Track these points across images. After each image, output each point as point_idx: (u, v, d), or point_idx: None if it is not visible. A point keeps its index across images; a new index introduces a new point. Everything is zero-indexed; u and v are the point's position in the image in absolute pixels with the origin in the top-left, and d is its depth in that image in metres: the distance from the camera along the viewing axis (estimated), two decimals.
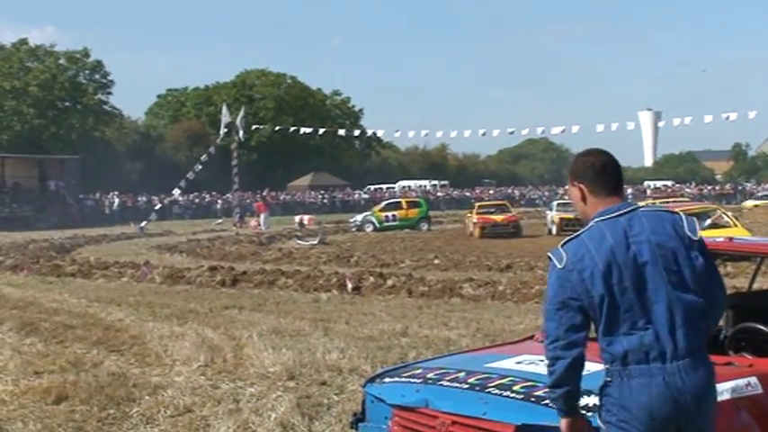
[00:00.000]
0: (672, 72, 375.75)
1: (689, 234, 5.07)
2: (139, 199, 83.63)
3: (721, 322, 8.03)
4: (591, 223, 5.14)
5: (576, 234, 5.16)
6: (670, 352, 4.92)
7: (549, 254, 5.16)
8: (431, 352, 12.88)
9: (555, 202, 61.24)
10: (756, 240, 9.00)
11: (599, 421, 5.06)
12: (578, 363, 5.01)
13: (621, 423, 4.95)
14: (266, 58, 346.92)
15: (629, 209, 5.14)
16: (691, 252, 5.04)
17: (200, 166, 63.32)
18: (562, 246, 5.14)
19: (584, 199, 5.27)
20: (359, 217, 61.59)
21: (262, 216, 62.27)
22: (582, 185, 5.26)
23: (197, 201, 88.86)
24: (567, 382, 5.05)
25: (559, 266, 5.05)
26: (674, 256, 5.01)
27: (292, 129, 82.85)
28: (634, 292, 4.95)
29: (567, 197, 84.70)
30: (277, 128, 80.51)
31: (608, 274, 4.95)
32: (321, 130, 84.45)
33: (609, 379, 5.02)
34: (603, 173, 5.22)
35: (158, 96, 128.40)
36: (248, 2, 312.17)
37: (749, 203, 67.56)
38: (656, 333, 4.93)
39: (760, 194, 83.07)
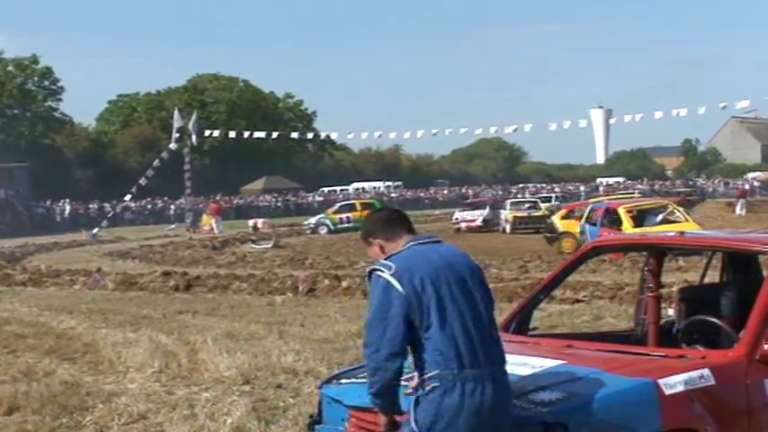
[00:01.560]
0: (623, 70, 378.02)
1: (476, 264, 5.71)
2: (91, 206, 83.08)
3: (674, 315, 8.10)
4: (408, 245, 5.54)
5: (397, 252, 5.51)
6: (480, 358, 5.33)
7: (375, 266, 5.46)
8: None
9: (508, 201, 61.50)
10: (707, 234, 9.06)
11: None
12: (399, 373, 5.34)
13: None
14: (218, 62, 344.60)
15: (435, 238, 5.71)
16: (480, 278, 5.63)
17: (152, 172, 62.94)
18: (386, 259, 5.46)
19: (383, 250, 5.64)
20: (313, 219, 61.64)
21: (214, 220, 62.06)
22: (378, 240, 5.69)
23: (149, 206, 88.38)
24: (389, 392, 5.37)
25: (388, 273, 5.34)
26: (472, 278, 5.54)
27: (245, 133, 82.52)
28: (453, 301, 5.37)
29: (520, 196, 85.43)
30: (231, 134, 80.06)
31: (437, 281, 5.34)
32: (274, 134, 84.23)
33: (436, 385, 5.27)
34: (391, 220, 5.75)
35: (109, 102, 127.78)
36: (199, 6, 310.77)
37: None
38: (469, 339, 5.33)
39: None
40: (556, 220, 40.59)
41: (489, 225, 55.39)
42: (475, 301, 5.48)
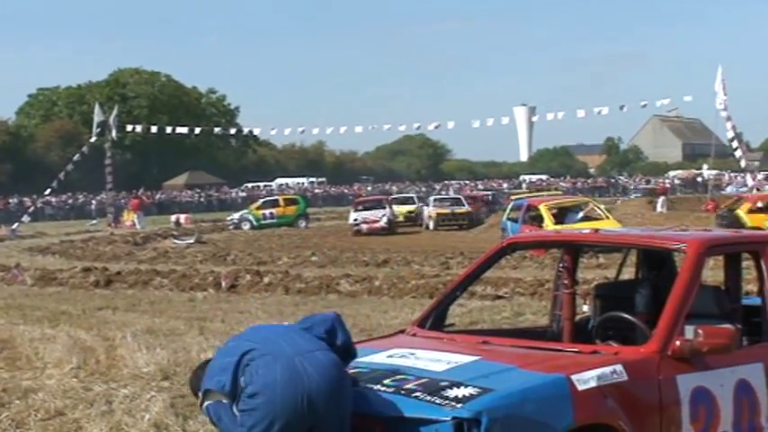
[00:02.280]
0: (546, 68, 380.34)
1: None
2: (10, 201, 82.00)
3: (589, 312, 8.20)
4: None
5: None
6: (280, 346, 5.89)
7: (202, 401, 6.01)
8: None
9: (432, 198, 61.63)
10: (620, 231, 9.18)
11: None
12: None
13: None
14: (140, 56, 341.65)
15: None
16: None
17: (71, 166, 62.25)
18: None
19: None
20: (236, 215, 61.45)
21: (136, 215, 61.56)
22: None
23: (70, 201, 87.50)
24: None
25: (206, 401, 5.95)
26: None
27: (168, 128, 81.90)
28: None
29: (443, 192, 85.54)
30: (153, 129, 79.30)
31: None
32: (197, 129, 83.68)
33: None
34: (205, 369, 6.13)
35: (29, 96, 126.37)
36: None
37: None
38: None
39: None
40: (742, 214, 36.15)
41: (393, 226, 51.20)
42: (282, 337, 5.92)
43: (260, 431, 5.53)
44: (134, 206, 64.45)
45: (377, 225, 49.90)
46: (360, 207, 53.82)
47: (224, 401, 5.73)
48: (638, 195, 71.12)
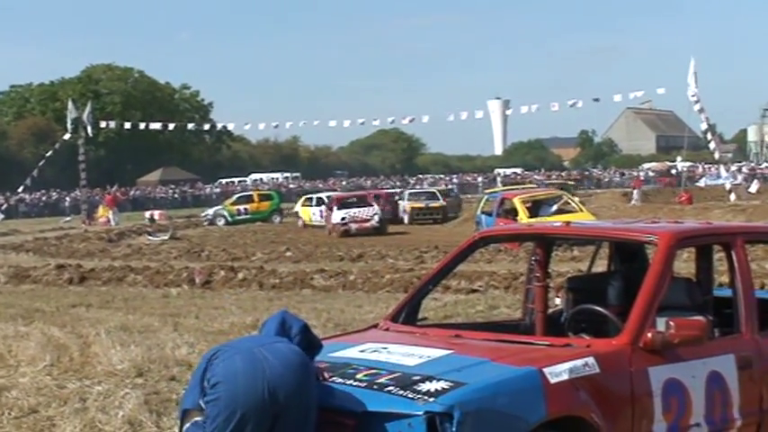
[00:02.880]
0: (520, 61, 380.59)
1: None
2: None
3: (562, 305, 8.22)
4: None
5: None
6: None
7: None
8: None
9: (407, 192, 61.71)
10: (592, 224, 9.20)
11: None
12: None
13: None
14: (113, 52, 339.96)
15: None
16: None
17: (43, 162, 62.01)
18: None
19: None
20: (210, 211, 61.36)
21: (111, 212, 61.39)
22: None
23: (44, 198, 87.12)
24: None
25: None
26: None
27: (141, 124, 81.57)
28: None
29: (418, 186, 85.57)
30: (127, 125, 78.94)
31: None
32: (170, 125, 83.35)
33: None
34: None
35: (1, 93, 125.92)
36: None
37: None
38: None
39: None
40: None
41: (384, 225, 46.16)
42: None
43: (224, 419, 5.55)
44: (108, 203, 64.29)
45: (367, 224, 45.38)
46: (337, 205, 48.16)
47: (200, 419, 5.74)
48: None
